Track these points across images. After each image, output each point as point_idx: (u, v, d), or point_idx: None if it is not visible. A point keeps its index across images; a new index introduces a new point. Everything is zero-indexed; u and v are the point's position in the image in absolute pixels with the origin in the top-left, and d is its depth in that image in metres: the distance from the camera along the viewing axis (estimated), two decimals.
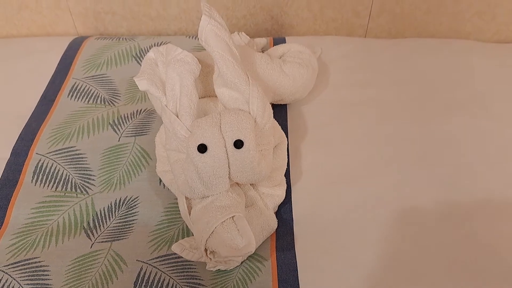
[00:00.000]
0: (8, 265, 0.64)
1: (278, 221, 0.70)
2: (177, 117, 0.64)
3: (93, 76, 0.94)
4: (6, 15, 1.11)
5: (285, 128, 0.83)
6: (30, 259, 0.65)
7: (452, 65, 0.97)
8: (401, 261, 0.65)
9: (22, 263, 0.65)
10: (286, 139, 0.75)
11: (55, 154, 0.79)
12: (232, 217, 0.58)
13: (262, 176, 0.63)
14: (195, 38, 1.04)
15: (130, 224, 0.71)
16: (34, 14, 1.11)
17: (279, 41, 1.04)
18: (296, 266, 0.64)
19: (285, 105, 0.88)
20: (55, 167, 0.77)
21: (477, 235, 0.67)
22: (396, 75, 0.95)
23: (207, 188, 0.60)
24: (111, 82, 0.94)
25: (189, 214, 0.64)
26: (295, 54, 0.85)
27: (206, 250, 0.59)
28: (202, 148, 0.58)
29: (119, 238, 0.69)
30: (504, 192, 0.73)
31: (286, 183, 0.74)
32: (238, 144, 0.59)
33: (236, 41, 0.92)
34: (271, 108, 0.68)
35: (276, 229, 0.70)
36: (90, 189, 0.75)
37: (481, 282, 0.62)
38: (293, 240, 0.68)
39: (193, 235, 0.66)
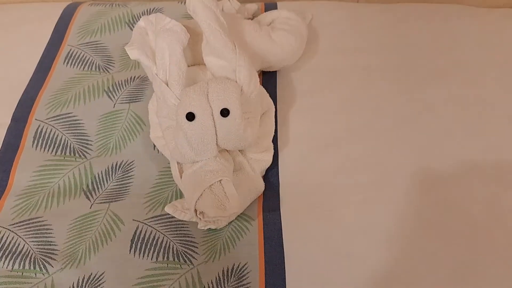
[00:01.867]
0: (14, 224, 0.69)
1: (265, 184, 0.75)
2: (167, 85, 0.67)
3: (87, 43, 0.96)
4: None
5: (274, 95, 0.86)
6: (33, 218, 0.70)
7: (441, 31, 0.98)
8: (379, 222, 0.69)
9: (27, 222, 0.70)
10: (274, 106, 0.78)
11: (54, 120, 0.82)
12: (220, 180, 0.62)
13: (248, 142, 0.66)
14: None
15: (126, 186, 0.76)
16: None
17: (270, 6, 1.05)
18: (281, 225, 0.69)
19: (275, 72, 0.90)
20: (54, 133, 0.81)
21: (453, 198, 0.72)
22: (384, 41, 0.96)
23: (196, 154, 0.64)
24: (105, 48, 0.96)
25: (181, 178, 0.69)
26: (284, 21, 0.86)
27: (196, 211, 0.63)
28: (190, 116, 0.62)
29: (116, 199, 0.74)
30: (482, 156, 0.77)
31: (274, 148, 0.78)
32: (224, 112, 0.62)
33: (226, 8, 0.93)
34: (258, 77, 0.71)
35: (263, 192, 0.74)
36: (88, 153, 0.79)
37: (453, 244, 0.67)
38: (279, 201, 0.73)
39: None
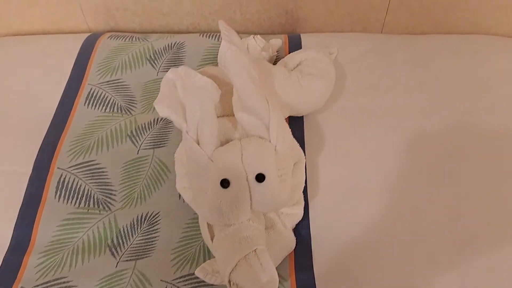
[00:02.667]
0: (38, 285, 0.67)
1: (296, 238, 0.72)
2: (198, 143, 0.64)
3: (108, 81, 0.94)
4: (17, 10, 1.09)
5: (301, 139, 0.83)
6: (58, 278, 0.68)
7: (472, 67, 0.95)
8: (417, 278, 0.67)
9: (52, 283, 0.68)
10: (304, 157, 0.76)
11: (76, 168, 0.80)
12: (255, 250, 0.60)
13: (282, 205, 0.64)
14: (209, 36, 1.02)
15: (153, 241, 0.73)
16: (45, 10, 1.09)
17: (294, 39, 1.02)
18: (315, 287, 0.67)
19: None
20: (77, 182, 0.78)
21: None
22: (412, 78, 0.93)
23: (229, 219, 0.62)
24: (126, 87, 0.93)
25: (211, 240, 0.66)
26: (312, 63, 0.84)
27: (229, 281, 0.61)
28: (225, 183, 0.59)
29: (142, 256, 0.71)
30: None
31: (304, 199, 0.75)
32: (260, 178, 0.59)
33: (251, 45, 0.91)
34: (290, 132, 0.68)
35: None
36: (112, 205, 0.77)
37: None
38: (311, 258, 0.70)
39: (214, 256, 0.68)
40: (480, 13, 1.05)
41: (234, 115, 0.71)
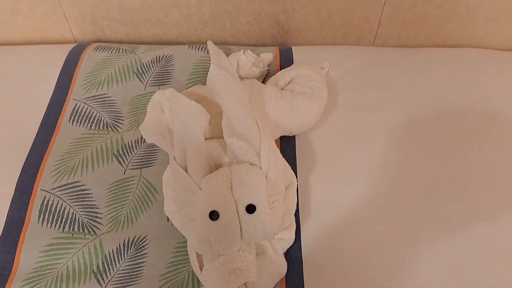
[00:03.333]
0: None
1: (287, 262, 0.70)
2: (186, 170, 0.62)
3: (94, 96, 0.91)
4: None
5: (293, 158, 0.82)
6: None
7: (465, 81, 0.94)
8: None
9: None
10: (296, 179, 0.74)
11: (60, 190, 0.77)
12: (245, 283, 0.58)
13: (273, 234, 0.62)
14: (198, 49, 1.00)
15: (140, 267, 0.71)
16: (28, 19, 1.06)
17: (285, 52, 1.00)
18: None
19: None
20: (61, 205, 0.76)
21: None
22: (405, 94, 0.92)
23: (218, 250, 0.60)
24: (113, 103, 0.91)
25: (200, 270, 0.64)
26: (304, 81, 0.82)
27: None
28: (214, 216, 0.57)
29: (129, 283, 0.69)
30: None
31: (296, 221, 0.74)
32: (250, 209, 0.58)
33: (242, 61, 0.89)
34: (282, 158, 0.67)
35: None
36: (98, 228, 0.74)
37: None
38: (303, 283, 0.69)
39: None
40: (472, 26, 1.04)
41: (223, 137, 0.69)
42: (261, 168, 0.62)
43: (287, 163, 0.73)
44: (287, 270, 0.70)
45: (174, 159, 0.63)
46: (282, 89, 0.82)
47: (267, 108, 0.74)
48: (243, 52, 0.89)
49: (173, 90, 0.64)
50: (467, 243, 0.71)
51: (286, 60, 0.97)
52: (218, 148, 0.68)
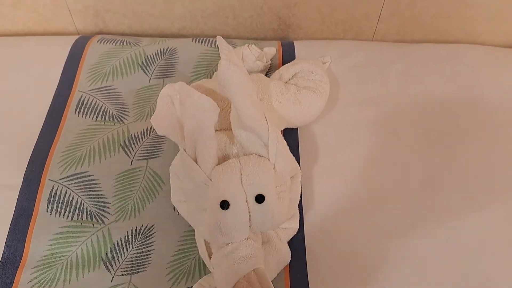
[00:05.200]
0: None
1: (291, 251, 0.72)
2: (196, 161, 0.64)
3: (99, 88, 0.92)
4: (1, 10, 1.06)
5: (296, 150, 0.84)
6: None
7: (462, 77, 0.96)
8: None
9: None
10: (300, 171, 0.76)
11: (68, 180, 0.79)
12: (254, 270, 0.60)
13: (280, 223, 0.64)
14: (201, 42, 1.01)
15: (148, 255, 0.73)
16: (31, 11, 1.06)
17: (287, 46, 1.02)
18: None
19: None
20: (69, 195, 0.77)
21: None
22: (404, 90, 0.94)
23: (227, 238, 0.62)
24: (118, 95, 0.92)
25: (209, 258, 0.66)
26: (307, 76, 0.84)
27: None
28: (225, 205, 0.59)
29: (138, 270, 0.71)
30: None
31: (299, 212, 0.76)
32: (259, 198, 0.60)
33: (246, 55, 0.90)
34: (289, 150, 0.69)
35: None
36: (106, 217, 0.76)
37: None
38: (306, 272, 0.71)
39: (209, 271, 0.69)
40: (471, 23, 1.06)
41: (231, 130, 0.71)
42: (269, 160, 0.64)
43: (291, 155, 0.75)
44: (291, 258, 0.72)
45: (185, 150, 0.64)
46: (286, 83, 0.83)
47: (273, 101, 0.76)
48: (247, 46, 0.91)
49: (183, 84, 0.65)
50: (461, 234, 0.74)
51: (288, 54, 0.99)
52: (225, 140, 0.70)
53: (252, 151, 0.65)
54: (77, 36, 1.04)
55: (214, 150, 0.63)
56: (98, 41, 1.01)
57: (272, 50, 0.96)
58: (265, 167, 0.62)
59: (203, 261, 0.72)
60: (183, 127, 0.65)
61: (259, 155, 0.65)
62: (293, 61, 0.89)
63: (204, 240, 0.68)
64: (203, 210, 0.64)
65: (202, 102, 0.63)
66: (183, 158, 0.64)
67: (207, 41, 1.01)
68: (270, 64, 0.97)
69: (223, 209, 0.59)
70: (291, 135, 0.85)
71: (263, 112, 0.65)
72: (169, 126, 0.64)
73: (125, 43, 1.00)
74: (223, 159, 0.68)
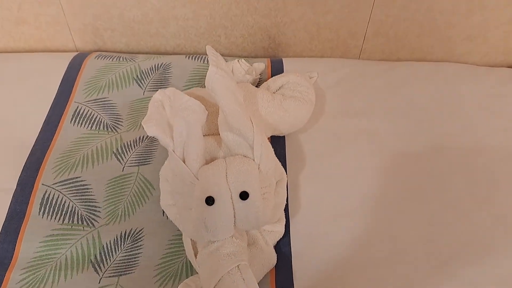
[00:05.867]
0: None
1: (277, 255, 0.74)
2: (184, 162, 0.67)
3: (95, 99, 0.96)
4: (4, 28, 1.11)
5: (283, 157, 0.86)
6: None
7: (444, 93, 1.00)
8: None
9: None
10: (286, 175, 0.78)
11: (61, 185, 0.81)
12: (238, 265, 0.62)
13: (265, 223, 0.66)
14: (195, 58, 1.05)
15: (136, 257, 0.74)
16: (33, 29, 1.11)
17: (276, 63, 1.06)
18: None
19: None
20: (62, 199, 0.79)
21: None
22: (389, 104, 0.98)
23: (212, 235, 0.64)
24: (113, 106, 0.95)
25: (195, 256, 0.68)
26: (293, 87, 0.87)
27: None
28: (210, 201, 0.61)
29: (125, 272, 0.72)
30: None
31: (285, 216, 0.78)
32: (244, 195, 0.62)
33: (236, 69, 0.94)
34: (273, 153, 0.72)
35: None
36: (96, 221, 0.78)
37: None
38: (292, 275, 0.72)
39: (196, 272, 0.70)
40: (451, 42, 1.12)
41: (218, 135, 0.74)
42: (254, 160, 0.66)
43: (277, 159, 0.78)
44: (277, 262, 0.74)
45: (173, 151, 0.67)
46: (274, 93, 0.87)
47: (260, 109, 0.79)
48: (237, 60, 0.95)
49: (174, 89, 0.69)
50: (446, 236, 0.76)
51: (277, 70, 1.03)
52: (213, 143, 0.73)
53: (238, 153, 0.68)
54: (76, 53, 1.09)
55: (202, 150, 0.66)
56: (96, 57, 1.05)
57: (261, 65, 1.00)
58: (250, 166, 0.65)
59: (190, 264, 0.73)
60: (172, 130, 0.68)
61: (245, 156, 0.67)
62: (280, 74, 0.94)
63: (191, 240, 0.69)
64: (190, 209, 0.66)
65: (191, 104, 0.66)
66: (172, 158, 0.67)
67: (200, 58, 1.05)
68: (260, 78, 1.01)
69: (208, 205, 0.61)
70: (278, 143, 0.88)
71: (249, 115, 0.68)
72: (159, 127, 0.66)
73: (121, 59, 1.05)
74: (211, 161, 0.71)
